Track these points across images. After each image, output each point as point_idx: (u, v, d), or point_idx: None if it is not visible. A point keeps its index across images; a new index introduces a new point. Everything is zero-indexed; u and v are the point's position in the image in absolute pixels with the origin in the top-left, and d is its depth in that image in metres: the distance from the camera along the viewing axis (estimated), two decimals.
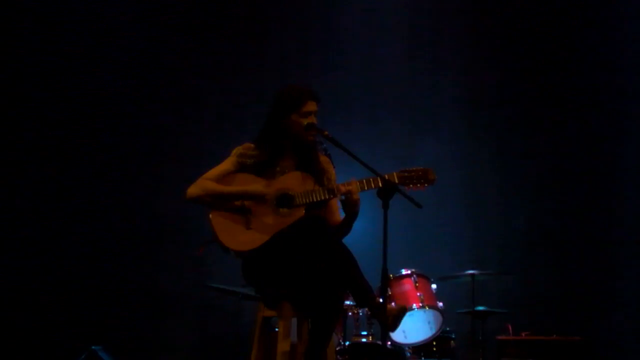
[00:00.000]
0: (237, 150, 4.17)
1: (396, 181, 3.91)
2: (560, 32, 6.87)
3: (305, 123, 4.08)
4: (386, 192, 3.78)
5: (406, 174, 3.95)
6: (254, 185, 4.04)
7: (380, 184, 3.87)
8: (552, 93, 6.85)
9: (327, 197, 4.01)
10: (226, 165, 4.13)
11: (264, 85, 6.48)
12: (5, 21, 6.60)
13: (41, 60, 6.58)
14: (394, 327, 3.91)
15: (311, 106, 4.11)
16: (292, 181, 4.07)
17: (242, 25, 6.88)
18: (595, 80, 6.84)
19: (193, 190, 4.06)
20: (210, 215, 4.03)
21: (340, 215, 4.19)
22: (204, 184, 4.06)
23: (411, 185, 3.94)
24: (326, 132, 4.03)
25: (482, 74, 6.88)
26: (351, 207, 4.00)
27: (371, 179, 3.92)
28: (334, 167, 4.22)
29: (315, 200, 4.00)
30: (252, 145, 4.17)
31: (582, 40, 6.88)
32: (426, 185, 3.96)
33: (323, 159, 4.23)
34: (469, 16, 6.97)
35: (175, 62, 6.77)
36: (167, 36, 6.76)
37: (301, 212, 4.00)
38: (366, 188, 3.96)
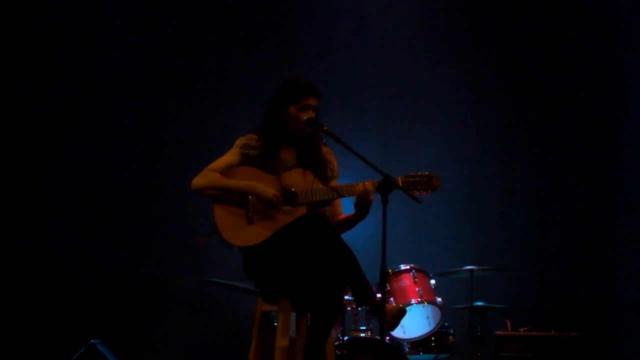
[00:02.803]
0: (240, 142, 4.13)
1: (400, 185, 3.90)
2: (565, 28, 6.85)
3: (305, 118, 4.07)
4: (386, 187, 3.79)
5: (410, 179, 3.94)
6: (263, 186, 3.99)
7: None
8: (555, 90, 6.83)
9: (332, 197, 4.01)
10: (230, 156, 4.09)
11: (269, 76, 6.48)
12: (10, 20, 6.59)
13: (42, 57, 6.57)
14: (392, 327, 3.93)
15: (311, 101, 4.09)
16: (295, 177, 4.07)
17: (250, 17, 6.83)
18: (599, 77, 6.82)
19: (198, 181, 4.02)
20: (213, 208, 4.03)
21: (342, 210, 4.19)
22: (210, 175, 4.01)
23: (415, 191, 3.92)
24: (325, 127, 4.03)
25: (484, 70, 6.86)
26: (365, 209, 3.97)
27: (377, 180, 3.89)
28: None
29: (318, 199, 4.00)
30: (255, 136, 4.15)
31: (588, 35, 6.86)
32: (430, 191, 3.94)
33: (325, 149, 4.23)
34: (473, 13, 6.96)
35: (178, 52, 6.75)
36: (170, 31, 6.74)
37: (303, 209, 4.01)
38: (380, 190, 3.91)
